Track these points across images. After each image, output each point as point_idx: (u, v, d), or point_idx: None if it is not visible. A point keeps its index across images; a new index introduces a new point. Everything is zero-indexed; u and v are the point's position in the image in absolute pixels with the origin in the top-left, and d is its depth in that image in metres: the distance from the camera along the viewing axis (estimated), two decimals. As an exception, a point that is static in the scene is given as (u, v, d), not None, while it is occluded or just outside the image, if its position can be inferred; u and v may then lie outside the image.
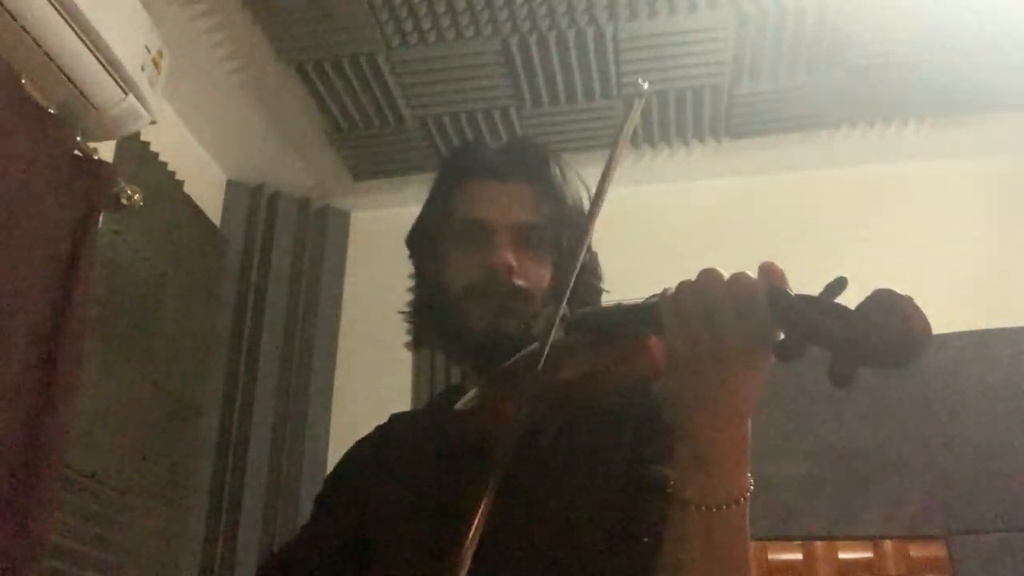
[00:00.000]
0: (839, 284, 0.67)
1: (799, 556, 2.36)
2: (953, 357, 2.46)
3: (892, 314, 0.63)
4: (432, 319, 1.09)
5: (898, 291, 0.64)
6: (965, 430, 2.38)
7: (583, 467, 0.93)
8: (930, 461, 2.38)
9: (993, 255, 2.61)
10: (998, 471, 2.32)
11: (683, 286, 0.76)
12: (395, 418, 1.19)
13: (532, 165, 1.07)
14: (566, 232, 1.04)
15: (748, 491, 0.77)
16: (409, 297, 1.14)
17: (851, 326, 0.65)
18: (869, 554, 2.34)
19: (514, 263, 1.00)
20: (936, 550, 2.31)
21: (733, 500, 0.76)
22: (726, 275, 0.73)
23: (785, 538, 2.37)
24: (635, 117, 0.93)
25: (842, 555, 2.35)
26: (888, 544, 2.34)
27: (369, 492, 1.06)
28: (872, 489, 2.37)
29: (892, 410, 2.43)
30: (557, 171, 1.07)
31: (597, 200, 0.90)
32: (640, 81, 0.94)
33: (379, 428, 1.18)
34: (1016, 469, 2.31)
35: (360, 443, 1.18)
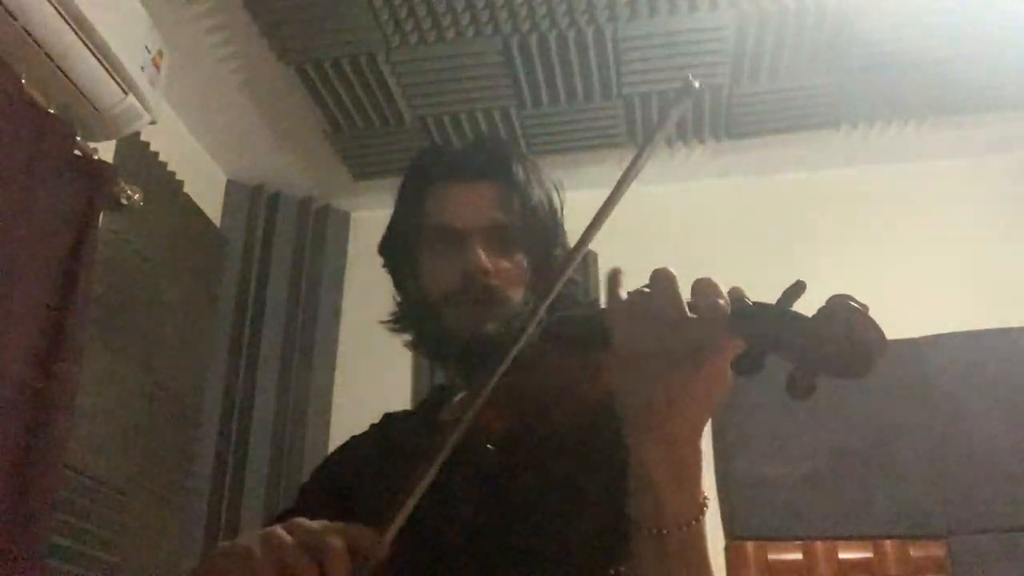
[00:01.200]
0: (796, 289, 0.65)
1: (799, 556, 2.36)
2: (953, 357, 2.46)
3: (845, 327, 0.61)
4: (414, 327, 1.09)
5: (853, 301, 0.62)
6: (965, 430, 2.38)
7: (559, 474, 0.93)
8: (930, 461, 2.38)
9: (993, 255, 2.61)
10: (998, 471, 2.32)
11: (633, 294, 0.73)
12: (388, 417, 1.19)
13: (497, 164, 1.06)
14: (536, 229, 1.04)
15: (702, 511, 0.74)
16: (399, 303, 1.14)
17: (805, 337, 0.63)
18: (869, 554, 2.34)
19: (489, 266, 1.00)
20: (936, 550, 2.31)
21: (684, 523, 0.73)
22: (676, 278, 0.70)
23: (785, 538, 2.37)
24: (677, 116, 0.89)
25: (842, 555, 2.35)
26: (888, 544, 2.34)
27: (353, 490, 1.06)
28: (872, 489, 2.37)
29: (892, 410, 2.43)
30: (521, 169, 1.06)
31: (608, 204, 0.88)
32: (691, 78, 0.87)
33: (372, 427, 1.18)
34: (1016, 469, 2.31)
35: (352, 441, 1.17)
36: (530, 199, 1.04)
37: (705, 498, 0.75)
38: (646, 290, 0.72)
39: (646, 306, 0.71)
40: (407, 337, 1.14)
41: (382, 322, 1.13)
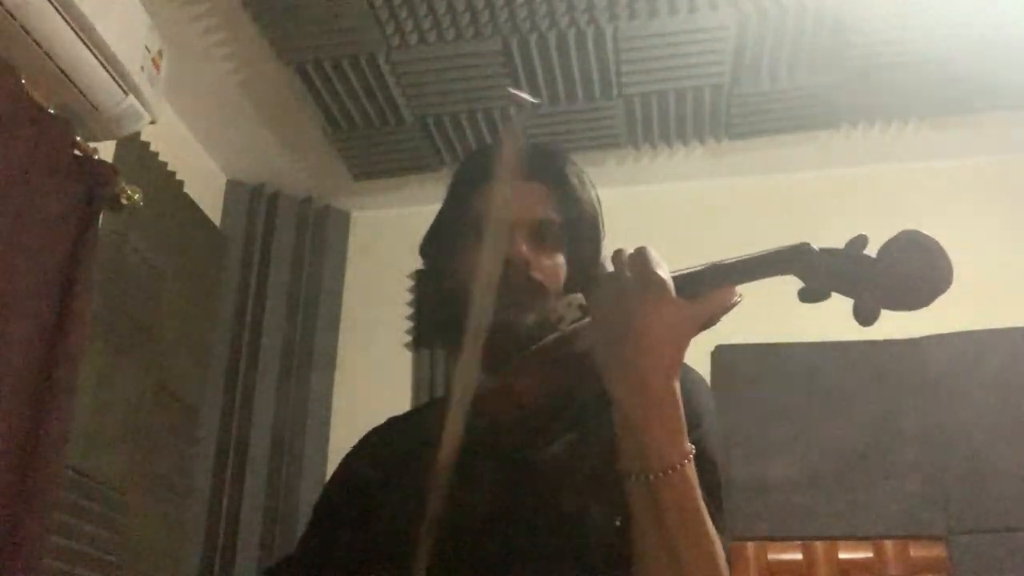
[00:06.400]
0: (860, 240, 0.73)
1: (799, 556, 2.36)
2: (953, 357, 2.46)
3: (920, 254, 0.67)
4: (447, 316, 1.09)
5: (925, 232, 0.68)
6: (965, 430, 2.38)
7: (592, 455, 0.93)
8: (930, 461, 2.38)
9: (993, 255, 2.61)
10: (998, 471, 2.32)
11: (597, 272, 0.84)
12: (392, 421, 1.19)
13: (550, 167, 1.09)
14: (580, 232, 1.06)
15: (686, 457, 0.78)
16: (410, 297, 1.15)
17: (875, 268, 0.69)
18: (869, 554, 2.34)
19: (530, 258, 1.01)
20: (936, 550, 2.31)
21: (669, 467, 0.77)
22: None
23: (785, 538, 2.37)
24: (521, 127, 0.95)
25: (842, 555, 2.35)
26: (888, 544, 2.34)
27: (373, 494, 1.06)
28: (872, 489, 2.37)
29: (892, 411, 2.43)
30: (572, 173, 1.10)
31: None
32: (523, 95, 0.95)
33: (376, 431, 1.18)
34: (1016, 469, 2.31)
35: (359, 447, 1.17)
36: (578, 203, 1.07)
37: (691, 447, 0.79)
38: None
39: (614, 271, 0.82)
40: (409, 337, 1.14)
41: (408, 317, 1.14)
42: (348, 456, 1.17)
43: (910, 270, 0.64)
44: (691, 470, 0.78)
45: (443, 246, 1.11)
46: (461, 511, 0.85)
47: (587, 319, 0.91)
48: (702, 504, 0.79)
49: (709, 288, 0.80)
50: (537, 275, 1.01)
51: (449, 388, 1.17)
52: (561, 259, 1.05)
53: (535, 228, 1.04)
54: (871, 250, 0.70)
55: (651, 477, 0.77)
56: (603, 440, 0.91)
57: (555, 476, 0.93)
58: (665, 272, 0.80)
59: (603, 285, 0.82)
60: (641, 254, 0.81)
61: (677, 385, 0.79)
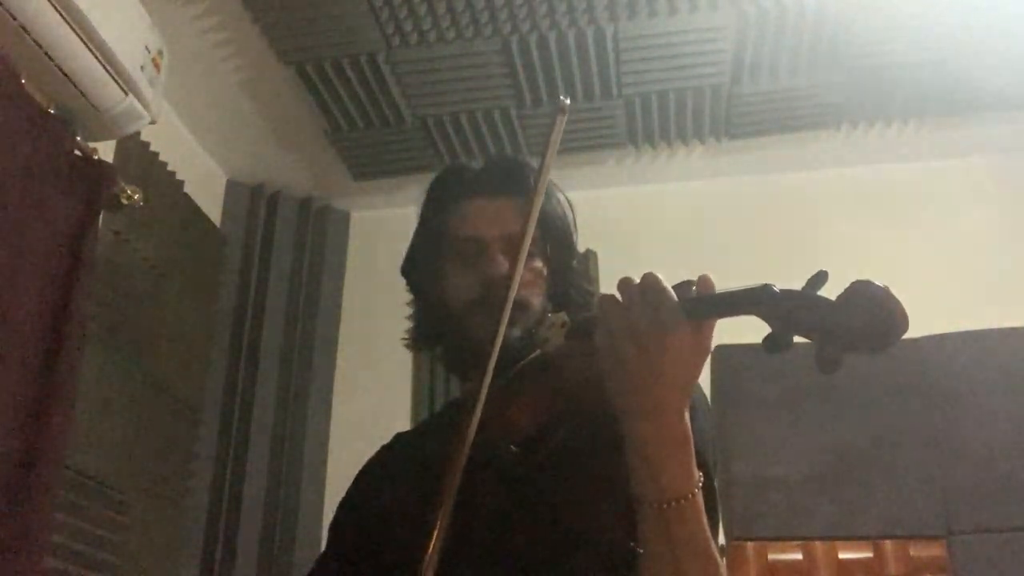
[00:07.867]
0: (820, 277, 0.71)
1: (799, 556, 2.36)
2: (953, 357, 2.46)
3: (872, 304, 0.66)
4: (435, 338, 1.12)
5: (875, 282, 0.67)
6: (965, 430, 2.38)
7: (587, 470, 0.93)
8: (930, 461, 2.38)
9: (993, 255, 2.61)
10: (998, 471, 2.32)
11: (603, 298, 0.82)
12: (399, 437, 1.20)
13: (515, 180, 1.10)
14: (553, 238, 1.08)
15: (697, 486, 0.80)
16: (409, 305, 1.16)
17: (833, 317, 0.68)
18: (869, 554, 2.34)
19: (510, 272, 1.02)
20: (936, 550, 2.31)
21: (682, 496, 0.79)
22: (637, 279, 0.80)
23: (785, 538, 2.37)
24: (558, 135, 0.95)
25: (842, 555, 2.35)
26: (888, 544, 2.34)
27: (383, 513, 1.06)
28: (872, 489, 2.37)
29: (892, 411, 2.43)
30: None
31: (530, 213, 0.93)
32: (563, 97, 0.97)
33: (384, 448, 1.18)
34: (1016, 469, 2.31)
35: (368, 465, 1.17)
36: (547, 210, 1.08)
37: (699, 475, 0.81)
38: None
39: (622, 304, 0.80)
40: (410, 339, 1.14)
41: (403, 339, 1.15)
42: (358, 475, 1.17)
43: (869, 317, 0.66)
44: (700, 498, 0.81)
45: (423, 268, 1.13)
46: (461, 527, 0.85)
47: (571, 341, 0.91)
48: (708, 530, 0.81)
49: (699, 320, 0.80)
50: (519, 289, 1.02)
51: (448, 406, 1.18)
52: (539, 264, 1.07)
53: (510, 242, 1.04)
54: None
55: (664, 506, 0.79)
56: (594, 457, 0.92)
57: (552, 491, 0.93)
58: (677, 309, 0.78)
59: (612, 316, 0.80)
60: (654, 288, 0.79)
61: (687, 415, 0.81)
